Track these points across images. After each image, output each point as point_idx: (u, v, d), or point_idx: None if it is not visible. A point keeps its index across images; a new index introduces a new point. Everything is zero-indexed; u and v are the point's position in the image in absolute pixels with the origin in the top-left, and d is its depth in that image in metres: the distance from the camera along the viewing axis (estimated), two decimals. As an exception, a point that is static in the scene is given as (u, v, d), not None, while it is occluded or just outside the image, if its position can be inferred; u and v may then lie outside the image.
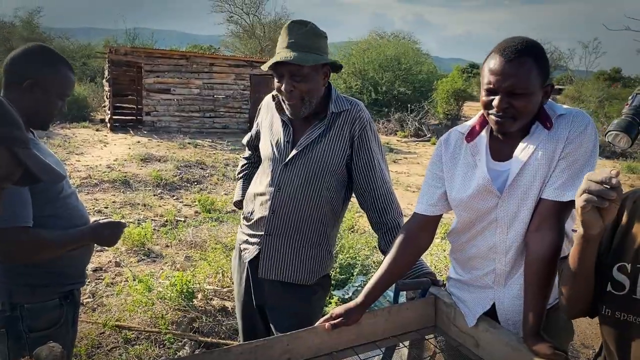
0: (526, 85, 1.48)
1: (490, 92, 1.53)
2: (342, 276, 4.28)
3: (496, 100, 1.51)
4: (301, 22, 1.98)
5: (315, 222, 2.08)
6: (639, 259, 1.30)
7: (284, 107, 2.03)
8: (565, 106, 1.62)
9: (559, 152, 1.53)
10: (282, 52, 1.92)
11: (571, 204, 1.35)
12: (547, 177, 1.54)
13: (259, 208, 2.13)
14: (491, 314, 1.69)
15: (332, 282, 3.75)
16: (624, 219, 1.36)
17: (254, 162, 2.46)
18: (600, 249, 1.38)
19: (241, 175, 2.54)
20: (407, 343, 1.82)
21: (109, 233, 1.85)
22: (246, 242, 2.19)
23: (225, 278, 4.41)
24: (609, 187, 1.12)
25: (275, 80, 1.99)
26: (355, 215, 6.56)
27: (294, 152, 2.04)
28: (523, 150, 1.57)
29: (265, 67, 1.96)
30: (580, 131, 1.52)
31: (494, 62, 1.51)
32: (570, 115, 1.56)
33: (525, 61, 1.47)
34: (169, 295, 3.88)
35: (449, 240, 1.85)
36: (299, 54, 1.91)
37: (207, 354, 1.53)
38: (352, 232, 6.12)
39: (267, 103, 2.23)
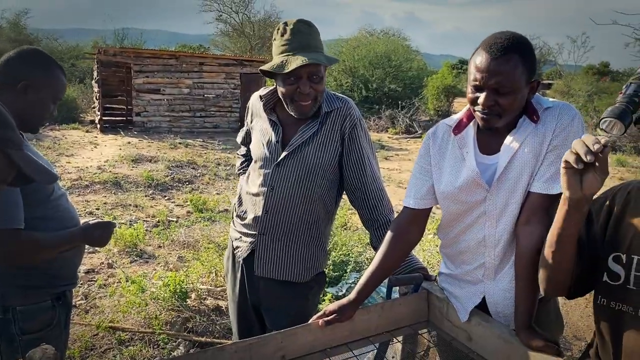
0: (512, 83, 1.48)
1: (476, 88, 1.53)
2: (336, 273, 4.29)
3: (482, 97, 1.51)
4: (306, 22, 1.97)
5: (308, 220, 2.08)
6: (632, 249, 1.32)
7: (290, 107, 2.00)
8: (551, 99, 1.63)
9: (546, 145, 1.54)
10: (299, 54, 1.89)
11: (559, 196, 1.36)
12: (535, 171, 1.55)
13: (251, 208, 2.12)
14: (482, 306, 1.70)
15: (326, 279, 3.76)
16: (617, 209, 1.37)
17: (251, 158, 2.46)
18: (593, 236, 1.40)
19: (241, 171, 2.54)
20: (400, 338, 1.82)
21: (100, 233, 1.85)
22: (239, 239, 2.19)
23: (219, 277, 4.41)
24: (590, 149, 1.14)
25: (285, 82, 1.94)
26: (347, 213, 6.57)
27: (285, 152, 2.03)
28: (510, 144, 1.57)
29: (288, 69, 1.87)
30: (567, 124, 1.53)
31: (480, 59, 1.51)
32: (556, 108, 1.56)
33: (511, 58, 1.47)
34: (162, 295, 3.87)
35: (439, 236, 1.86)
36: (318, 54, 1.92)
37: (202, 353, 1.53)
38: (345, 229, 6.13)
39: (254, 103, 2.22)
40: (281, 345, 1.61)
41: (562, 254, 1.35)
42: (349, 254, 4.68)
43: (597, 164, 1.16)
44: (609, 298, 1.37)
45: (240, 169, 2.54)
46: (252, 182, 2.15)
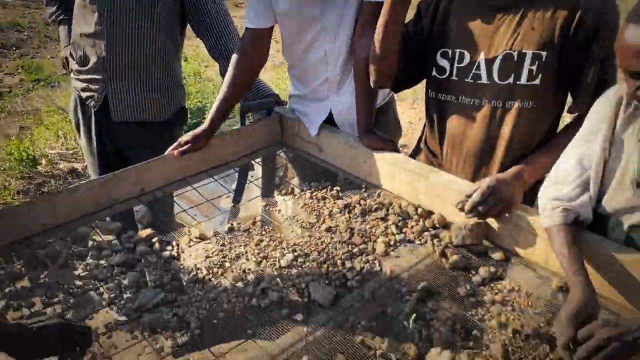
0: None
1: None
2: (194, 121, 4.25)
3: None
4: None
5: (156, 55, 1.99)
6: (456, 43, 1.46)
7: None
8: None
9: None
10: None
11: None
12: None
13: (91, 50, 1.96)
14: (329, 121, 1.82)
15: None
16: (444, 4, 1.49)
17: (65, 2, 2.21)
18: (420, 31, 1.52)
19: (60, 18, 2.28)
20: (259, 160, 1.91)
21: None
22: (87, 89, 2.04)
23: (69, 141, 4.17)
24: None
25: None
26: (201, 64, 6.35)
27: None
28: None
29: None
30: None
31: None
32: None
33: None
34: (7, 165, 3.61)
35: (285, 58, 1.89)
36: None
37: (54, 195, 1.50)
38: (200, 80, 5.96)
39: None
40: (139, 179, 1.62)
41: (388, 42, 1.46)
42: (204, 101, 4.63)
43: None
44: (437, 91, 1.54)
45: (56, 16, 2.28)
46: (85, 21, 1.95)
